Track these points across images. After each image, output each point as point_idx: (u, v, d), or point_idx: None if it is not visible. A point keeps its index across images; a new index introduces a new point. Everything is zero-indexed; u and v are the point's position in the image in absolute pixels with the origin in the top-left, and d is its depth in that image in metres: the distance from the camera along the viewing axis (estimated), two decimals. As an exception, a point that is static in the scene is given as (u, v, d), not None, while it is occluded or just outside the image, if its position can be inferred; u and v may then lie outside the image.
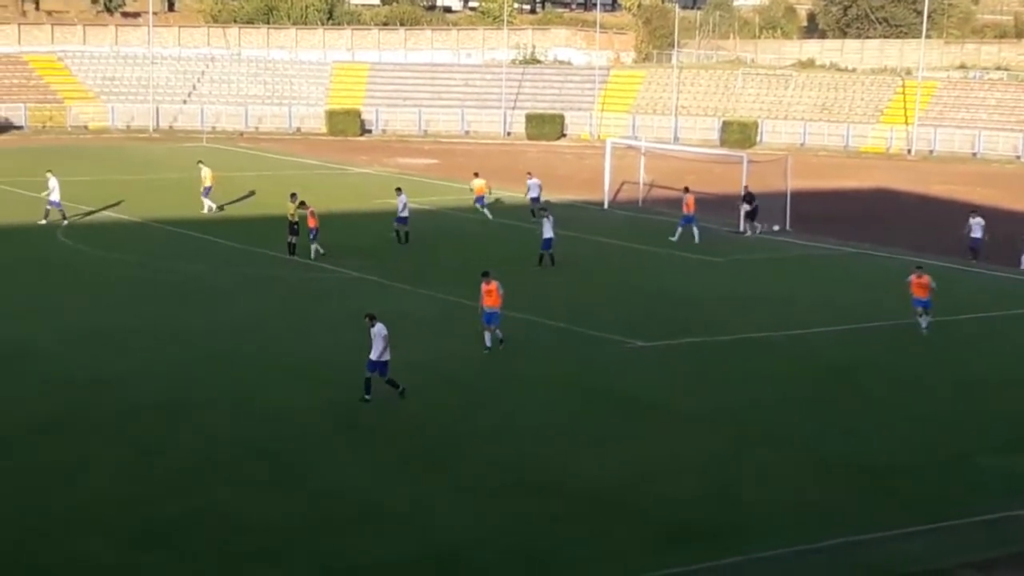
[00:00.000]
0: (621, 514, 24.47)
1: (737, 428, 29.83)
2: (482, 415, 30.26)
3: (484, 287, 34.83)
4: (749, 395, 32.39)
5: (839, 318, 40.80)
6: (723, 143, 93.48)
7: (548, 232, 47.41)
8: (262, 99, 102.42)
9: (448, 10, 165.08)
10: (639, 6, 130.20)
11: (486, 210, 58.71)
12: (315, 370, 33.17)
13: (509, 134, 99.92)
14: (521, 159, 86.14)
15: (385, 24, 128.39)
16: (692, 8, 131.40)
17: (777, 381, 33.81)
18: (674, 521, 24.19)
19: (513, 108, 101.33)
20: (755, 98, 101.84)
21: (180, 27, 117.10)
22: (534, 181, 59.95)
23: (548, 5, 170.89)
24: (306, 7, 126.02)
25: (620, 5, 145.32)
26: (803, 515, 24.74)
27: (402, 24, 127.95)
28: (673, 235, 53.85)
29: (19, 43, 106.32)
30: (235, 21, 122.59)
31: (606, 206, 63.19)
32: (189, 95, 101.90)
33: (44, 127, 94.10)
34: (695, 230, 53.68)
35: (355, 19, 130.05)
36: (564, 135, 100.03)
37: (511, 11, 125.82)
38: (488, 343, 34.99)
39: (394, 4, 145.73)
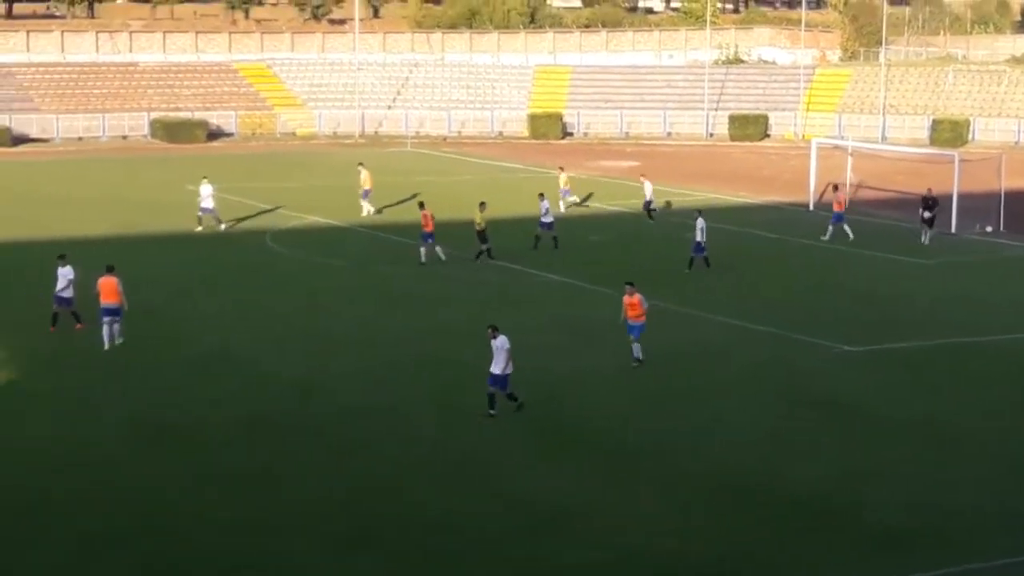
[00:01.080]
0: (825, 520, 24.03)
1: (944, 435, 29.14)
2: (684, 419, 29.96)
3: (626, 299, 33.65)
4: (957, 401, 31.59)
5: (1057, 322, 39.41)
6: (933, 142, 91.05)
7: (699, 236, 46.51)
8: (465, 104, 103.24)
9: (650, 11, 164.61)
10: (846, 3, 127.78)
11: (569, 198, 61.18)
12: (515, 375, 33.11)
13: (712, 135, 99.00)
14: (725, 161, 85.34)
15: (587, 26, 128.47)
16: (900, 4, 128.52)
17: (986, 387, 32.86)
18: (880, 528, 23.63)
19: (716, 109, 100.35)
20: (967, 95, 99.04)
21: (385, 33, 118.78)
22: (647, 184, 59.24)
23: (752, 4, 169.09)
24: (508, 11, 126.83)
25: (826, 2, 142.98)
26: (1010, 525, 23.98)
27: (604, 26, 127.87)
28: (825, 234, 53.37)
29: (230, 51, 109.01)
30: (438, 26, 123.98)
31: (811, 207, 62.08)
32: (394, 100, 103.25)
33: (254, 134, 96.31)
34: (846, 228, 53.05)
35: (557, 22, 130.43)
36: (768, 135, 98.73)
37: (714, 11, 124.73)
38: (637, 355, 33.65)
39: (596, 6, 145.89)
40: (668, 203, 61.66)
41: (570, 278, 45.04)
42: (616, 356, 34.40)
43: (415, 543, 22.84)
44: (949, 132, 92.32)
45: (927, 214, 53.74)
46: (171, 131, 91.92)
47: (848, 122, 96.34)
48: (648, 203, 59.03)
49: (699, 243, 46.50)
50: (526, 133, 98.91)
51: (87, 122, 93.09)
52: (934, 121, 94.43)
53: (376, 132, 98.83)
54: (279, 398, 31.06)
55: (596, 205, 62.56)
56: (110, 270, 35.81)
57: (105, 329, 35.19)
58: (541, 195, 51.98)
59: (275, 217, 57.42)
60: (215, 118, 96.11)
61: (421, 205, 48.61)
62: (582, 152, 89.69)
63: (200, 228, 53.72)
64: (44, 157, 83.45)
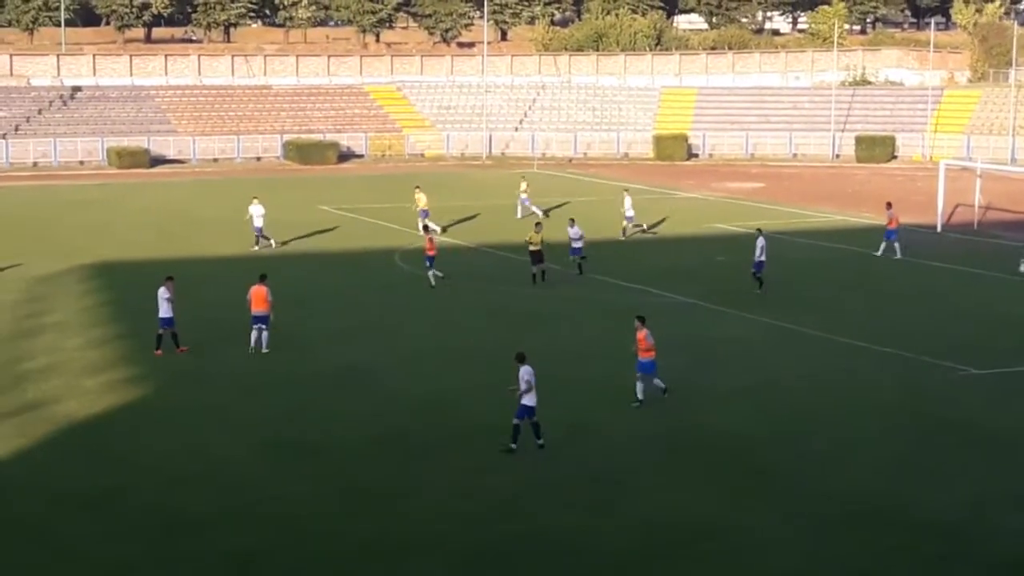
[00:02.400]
0: (957, 547, 23.93)
1: (1079, 461, 28.79)
2: (812, 442, 30.00)
3: (638, 334, 32.15)
4: (1092, 427, 31.20)
5: None
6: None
7: (759, 254, 46.59)
8: (591, 125, 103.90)
9: (776, 33, 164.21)
10: (975, 24, 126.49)
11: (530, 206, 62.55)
12: (645, 393, 33.56)
13: (838, 156, 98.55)
14: (851, 182, 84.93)
15: (713, 48, 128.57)
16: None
17: (1122, 413, 32.40)
18: (1014, 556, 23.50)
19: (843, 130, 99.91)
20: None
21: (512, 56, 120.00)
22: (627, 199, 59.89)
23: (879, 25, 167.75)
24: (635, 34, 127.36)
25: (954, 23, 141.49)
26: None
27: (730, 48, 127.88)
28: (877, 250, 54.24)
29: (361, 74, 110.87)
30: (565, 49, 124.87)
31: (939, 229, 61.72)
32: (520, 122, 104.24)
33: (383, 155, 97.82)
34: (896, 245, 53.64)
35: (683, 44, 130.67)
36: (895, 157, 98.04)
37: (841, 32, 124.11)
38: (640, 395, 32.04)
39: (722, 28, 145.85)
40: (655, 225, 61.66)
41: (695, 298, 45.31)
42: (743, 376, 34.70)
43: (542, 562, 23.13)
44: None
45: None
46: (303, 152, 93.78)
47: (977, 143, 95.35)
48: (630, 219, 59.49)
49: (760, 261, 46.64)
50: (651, 154, 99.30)
51: (222, 144, 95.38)
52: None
53: (503, 153, 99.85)
54: (409, 415, 31.59)
55: (720, 226, 62.73)
56: (262, 279, 37.53)
57: (253, 334, 37.09)
58: (572, 221, 51.67)
59: (405, 237, 58.43)
60: (346, 140, 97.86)
61: (425, 229, 51.13)
62: (707, 173, 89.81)
63: (255, 247, 55.20)
64: (181, 177, 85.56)
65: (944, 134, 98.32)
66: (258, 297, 37.10)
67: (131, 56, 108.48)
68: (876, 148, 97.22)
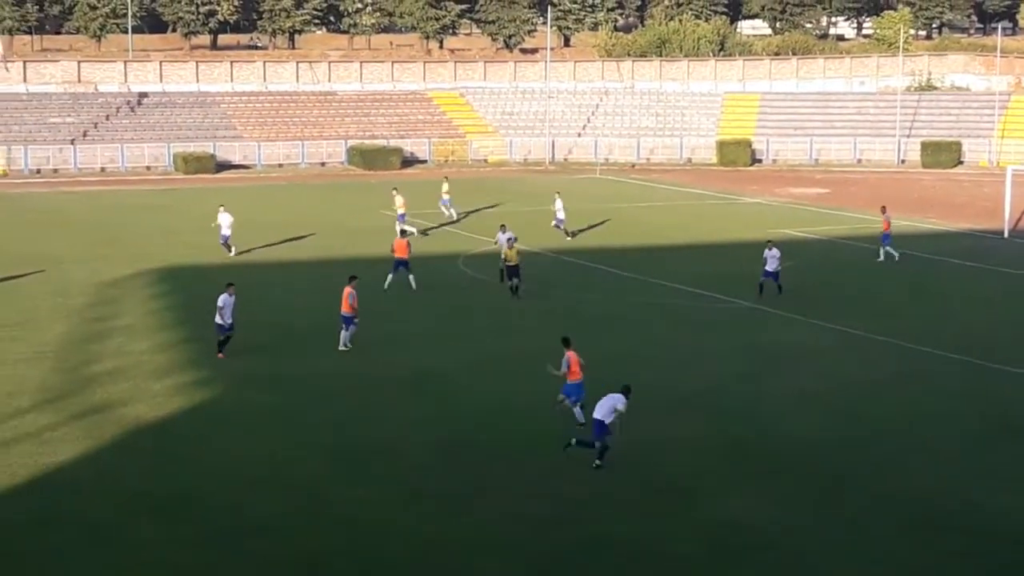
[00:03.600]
0: (1025, 554, 23.81)
1: None
2: (877, 447, 29.88)
3: (573, 357, 30.91)
4: None
5: None
6: None
7: (770, 265, 46.56)
8: (654, 131, 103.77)
9: (841, 38, 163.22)
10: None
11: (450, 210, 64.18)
12: (709, 398, 33.56)
13: (903, 162, 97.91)
14: (916, 187, 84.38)
15: (777, 54, 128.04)
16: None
17: None
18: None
19: (908, 136, 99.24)
20: None
21: (575, 62, 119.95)
22: (558, 201, 60.66)
23: (945, 30, 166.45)
24: (698, 39, 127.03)
25: (1021, 28, 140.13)
26: None
27: (794, 53, 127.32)
28: (879, 256, 54.24)
29: (424, 80, 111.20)
30: (628, 55, 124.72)
31: (1006, 235, 61.20)
32: (583, 128, 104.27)
33: (447, 160, 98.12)
34: (890, 251, 53.80)
35: (746, 50, 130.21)
36: (961, 163, 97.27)
37: (907, 37, 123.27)
38: (580, 419, 30.58)
39: (786, 34, 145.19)
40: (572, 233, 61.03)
41: (759, 304, 45.20)
42: (809, 381, 34.61)
43: (609, 568, 23.19)
44: None
45: None
46: (367, 158, 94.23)
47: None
48: (560, 222, 60.06)
49: (768, 271, 46.56)
50: (715, 160, 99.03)
51: (287, 149, 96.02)
52: None
53: (566, 159, 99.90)
54: (476, 419, 31.71)
55: (785, 231, 62.48)
56: (351, 279, 38.76)
57: (343, 333, 38.33)
58: (503, 227, 50.98)
59: (469, 241, 58.61)
60: (409, 145, 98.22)
61: (402, 233, 51.14)
62: (771, 179, 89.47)
63: (232, 255, 54.94)
64: (246, 183, 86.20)
65: (1011, 139, 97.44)
66: (345, 298, 38.45)
67: (197, 63, 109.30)
68: (942, 154, 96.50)
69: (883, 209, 56.24)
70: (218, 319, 37.23)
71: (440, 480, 27.62)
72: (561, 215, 60.58)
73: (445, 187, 66.57)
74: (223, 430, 31.09)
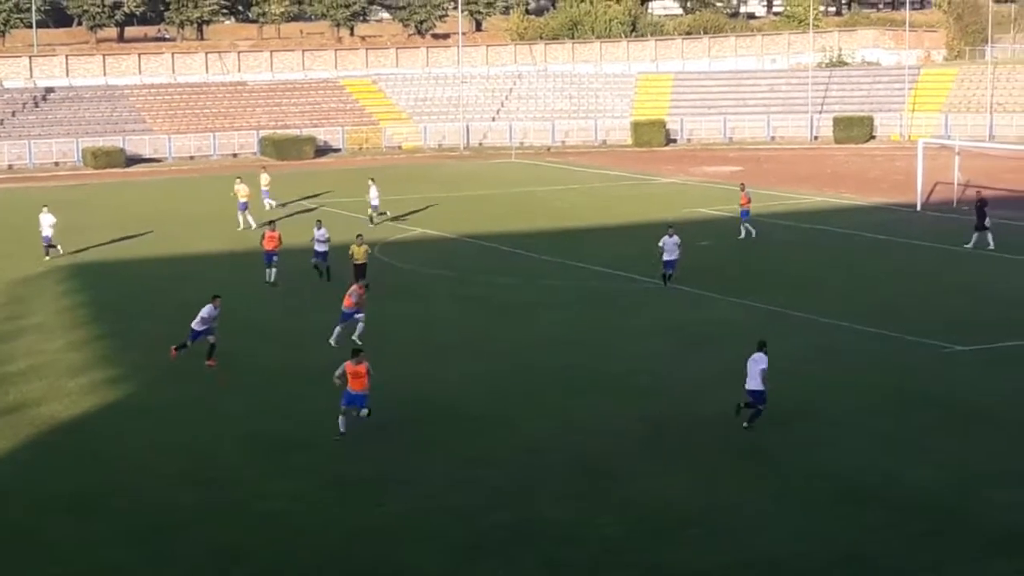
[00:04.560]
0: (946, 523, 23.98)
1: (1066, 435, 28.81)
2: (798, 423, 29.99)
3: (350, 367, 28.87)
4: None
5: None
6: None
7: (671, 254, 44.37)
8: (568, 113, 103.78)
9: (752, 16, 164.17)
10: (949, 2, 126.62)
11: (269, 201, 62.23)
12: (630, 379, 33.52)
13: (816, 138, 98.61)
14: (830, 163, 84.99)
15: (688, 33, 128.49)
16: (1006, 2, 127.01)
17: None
18: (1002, 532, 23.53)
19: (820, 112, 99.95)
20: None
21: (488, 46, 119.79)
22: (372, 188, 60.35)
23: (854, 6, 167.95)
24: (610, 20, 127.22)
25: (929, 2, 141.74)
26: None
27: (705, 32, 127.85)
28: (740, 234, 54.25)
29: (336, 68, 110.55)
30: (540, 38, 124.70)
31: (919, 208, 61.78)
32: (498, 112, 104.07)
33: (360, 148, 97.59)
34: (748, 227, 54.08)
35: (658, 30, 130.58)
36: (873, 137, 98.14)
37: (816, 14, 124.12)
38: (343, 428, 28.78)
39: (697, 13, 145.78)
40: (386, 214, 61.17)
41: (677, 283, 45.15)
42: (729, 358, 34.60)
43: (535, 552, 23.06)
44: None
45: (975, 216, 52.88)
46: (280, 148, 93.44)
47: (955, 122, 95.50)
48: (375, 207, 60.05)
49: (670, 260, 44.40)
50: (630, 141, 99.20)
51: (198, 141, 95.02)
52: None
53: (480, 144, 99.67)
54: (394, 408, 31.40)
55: (701, 210, 62.69)
56: (363, 283, 38.48)
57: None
58: (319, 223, 48.31)
59: (384, 229, 58.25)
60: (323, 134, 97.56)
61: (271, 224, 47.92)
62: (686, 158, 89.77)
63: (48, 258, 52.69)
64: (157, 176, 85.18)
65: (922, 113, 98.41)
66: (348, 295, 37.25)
67: (104, 56, 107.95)
68: (854, 129, 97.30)
69: (742, 186, 56.42)
70: (195, 324, 35.43)
71: (361, 470, 27.36)
72: (375, 202, 59.94)
73: (265, 179, 64.97)
74: (139, 426, 30.62)
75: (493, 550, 23.18)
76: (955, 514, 24.39)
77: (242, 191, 60.13)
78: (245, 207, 59.96)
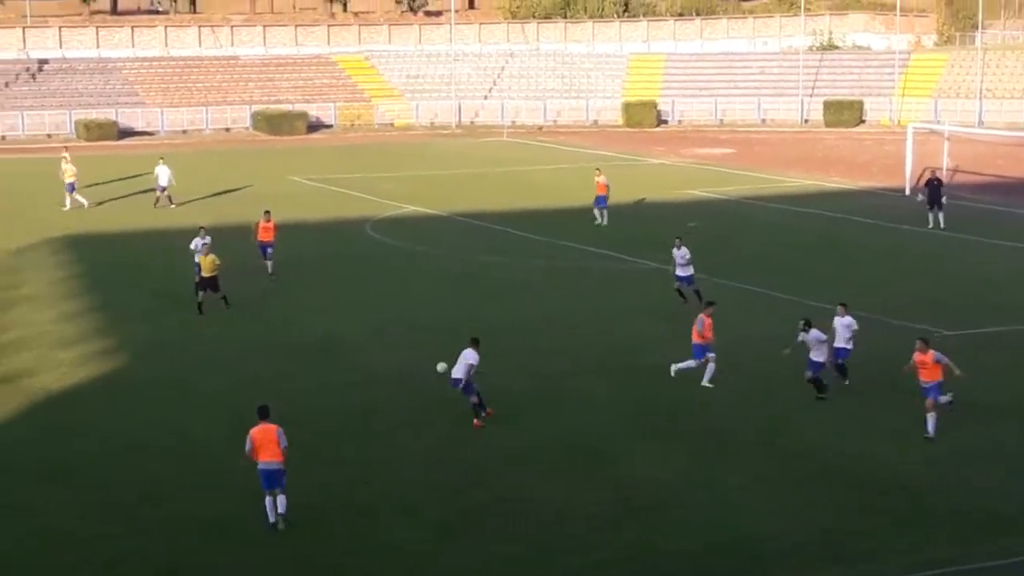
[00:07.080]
0: (922, 504, 24.35)
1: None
2: (775, 405, 30.34)
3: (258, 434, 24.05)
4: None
5: None
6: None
7: (683, 270, 40.23)
8: (560, 93, 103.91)
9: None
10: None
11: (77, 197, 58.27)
12: (617, 360, 33.83)
13: (807, 121, 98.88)
14: (820, 147, 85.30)
15: (680, 15, 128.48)
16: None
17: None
18: (978, 513, 23.89)
19: (811, 95, 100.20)
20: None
21: (480, 24, 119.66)
22: (162, 168, 58.76)
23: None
24: (603, 0, 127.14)
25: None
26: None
27: (698, 14, 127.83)
28: (596, 219, 53.83)
29: (328, 44, 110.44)
30: (533, 16, 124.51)
31: (907, 192, 62.12)
32: (490, 91, 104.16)
33: (352, 125, 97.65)
34: (604, 212, 53.60)
35: (651, 10, 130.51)
36: (863, 121, 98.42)
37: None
38: (281, 509, 23.56)
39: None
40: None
41: (665, 264, 45.50)
42: (720, 340, 34.92)
43: (518, 529, 23.35)
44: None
45: (922, 197, 53.98)
46: (272, 123, 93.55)
47: (944, 107, 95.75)
48: (163, 189, 58.48)
49: (680, 276, 40.17)
50: (620, 121, 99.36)
51: (191, 115, 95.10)
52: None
53: (472, 122, 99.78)
54: (381, 387, 31.65)
55: (693, 192, 62.99)
56: (709, 305, 36.39)
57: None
58: (202, 230, 42.04)
59: (375, 206, 58.51)
60: (315, 110, 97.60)
61: (266, 214, 44.72)
62: (676, 139, 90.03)
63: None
64: (150, 150, 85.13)
65: (911, 98, 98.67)
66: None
67: (97, 28, 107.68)
68: (844, 112, 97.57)
69: (597, 171, 55.87)
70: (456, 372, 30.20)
71: (344, 447, 27.66)
72: (163, 182, 58.29)
73: (70, 169, 58.92)
74: (129, 399, 30.92)
75: (475, 527, 23.49)
76: (931, 496, 24.76)
77: (68, 171, 58.20)
78: (73, 188, 58.18)
